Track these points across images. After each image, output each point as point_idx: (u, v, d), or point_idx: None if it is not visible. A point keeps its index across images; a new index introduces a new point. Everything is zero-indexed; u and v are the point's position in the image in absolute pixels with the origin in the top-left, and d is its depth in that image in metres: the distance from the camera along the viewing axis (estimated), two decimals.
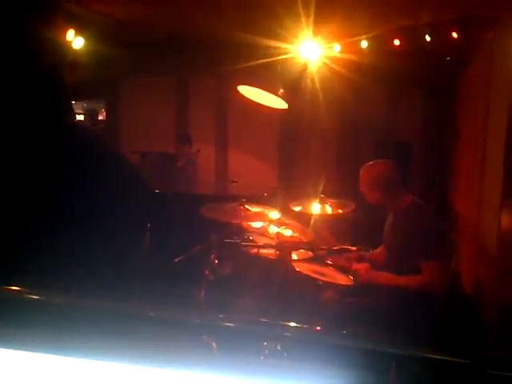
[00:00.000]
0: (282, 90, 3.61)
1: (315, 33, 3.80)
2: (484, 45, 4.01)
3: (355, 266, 3.01)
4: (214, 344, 0.92)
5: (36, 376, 0.90)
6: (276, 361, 0.88)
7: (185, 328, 0.96)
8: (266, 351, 0.92)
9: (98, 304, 0.98)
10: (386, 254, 3.13)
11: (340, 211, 3.49)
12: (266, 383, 0.85)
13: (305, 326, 0.97)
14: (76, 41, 3.81)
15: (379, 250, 3.24)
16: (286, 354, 0.90)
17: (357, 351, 0.89)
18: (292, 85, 3.88)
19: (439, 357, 0.88)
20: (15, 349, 0.90)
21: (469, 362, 0.86)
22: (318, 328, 0.96)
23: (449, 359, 0.87)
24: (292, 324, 0.94)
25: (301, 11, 3.37)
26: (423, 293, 2.74)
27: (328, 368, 0.85)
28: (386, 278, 2.89)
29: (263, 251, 3.25)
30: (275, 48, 3.81)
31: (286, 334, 0.93)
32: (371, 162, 3.07)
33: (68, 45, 3.65)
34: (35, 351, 0.89)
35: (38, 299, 0.96)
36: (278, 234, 3.31)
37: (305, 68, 4.14)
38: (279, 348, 0.90)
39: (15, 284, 0.99)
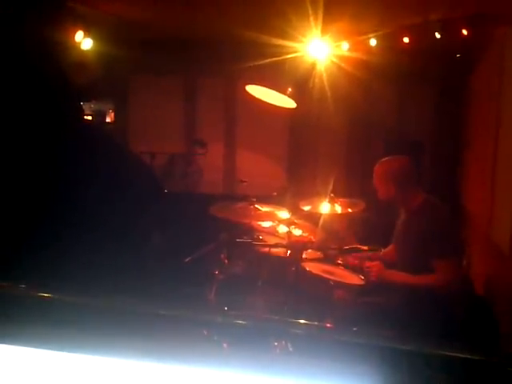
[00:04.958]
0: (290, 89, 3.60)
1: (324, 31, 3.79)
2: (495, 42, 3.97)
3: (368, 263, 2.99)
4: (224, 342, 0.92)
5: (41, 373, 0.90)
6: (286, 358, 0.87)
7: (195, 326, 0.96)
8: (277, 350, 0.91)
9: (109, 302, 0.97)
10: (397, 253, 3.11)
11: (350, 210, 3.47)
12: (277, 380, 0.85)
13: (315, 323, 0.97)
14: (85, 42, 3.83)
15: (390, 248, 3.22)
16: (296, 352, 0.89)
17: (368, 349, 0.88)
18: (300, 84, 3.87)
19: (452, 354, 0.87)
20: (21, 345, 0.90)
21: (484, 359, 0.85)
22: (329, 325, 0.94)
23: (462, 356, 0.86)
24: (302, 321, 0.93)
25: (309, 10, 3.36)
26: (435, 291, 2.71)
27: (339, 365, 0.84)
28: (398, 276, 2.87)
29: (273, 251, 3.24)
30: (283, 47, 3.80)
31: (297, 331, 0.93)
32: (387, 158, 3.05)
33: (77, 46, 3.67)
34: (41, 348, 0.89)
35: (46, 297, 0.96)
36: (287, 233, 3.30)
37: (313, 67, 4.12)
38: (290, 345, 0.89)
39: (25, 282, 0.99)
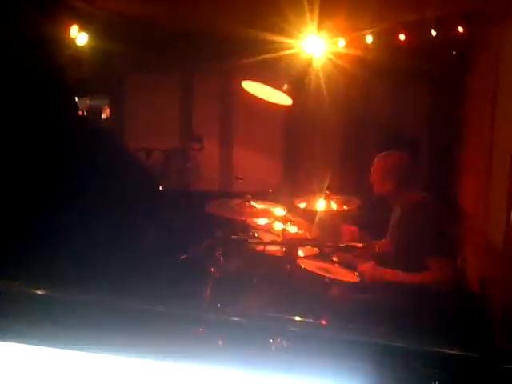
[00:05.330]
0: (286, 86, 3.59)
1: (320, 28, 3.78)
2: (491, 39, 3.97)
3: (360, 267, 3.00)
4: (219, 339, 0.91)
5: (38, 370, 0.90)
6: (282, 355, 0.88)
7: (190, 323, 0.96)
8: (273, 347, 0.91)
9: (104, 300, 0.97)
10: (392, 249, 3.12)
11: (345, 208, 3.48)
12: (272, 377, 0.85)
13: (310, 320, 0.97)
14: (80, 37, 3.81)
15: (383, 242, 3.22)
16: (291, 349, 0.89)
17: (363, 346, 0.88)
18: (296, 80, 3.86)
19: (446, 351, 0.87)
20: (18, 342, 0.90)
21: (477, 356, 0.85)
22: (324, 322, 0.95)
23: (455, 353, 0.86)
24: (298, 318, 0.93)
25: (305, 6, 3.35)
26: (430, 289, 2.72)
27: (333, 362, 0.84)
28: (392, 275, 2.87)
29: (269, 248, 3.24)
30: (279, 43, 3.79)
31: (292, 328, 0.93)
32: (386, 152, 3.07)
33: (72, 41, 3.65)
34: (38, 345, 0.89)
35: (42, 294, 0.96)
36: (283, 230, 3.30)
37: (309, 63, 4.11)
38: (285, 342, 0.89)
39: (21, 279, 0.98)
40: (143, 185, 1.99)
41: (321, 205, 3.43)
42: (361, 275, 2.95)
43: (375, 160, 3.04)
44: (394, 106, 5.72)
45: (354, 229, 3.28)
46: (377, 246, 3.26)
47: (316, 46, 4.01)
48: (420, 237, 2.79)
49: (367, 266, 2.96)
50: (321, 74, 4.28)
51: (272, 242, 3.25)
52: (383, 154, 3.05)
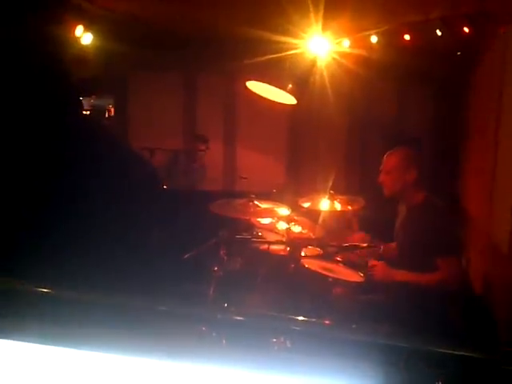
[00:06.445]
0: (290, 86, 3.59)
1: (324, 28, 3.77)
2: (496, 40, 3.96)
3: (373, 262, 2.98)
4: (223, 338, 0.92)
5: (40, 368, 0.90)
6: (285, 354, 0.88)
7: (194, 322, 0.96)
8: (276, 346, 0.92)
9: (108, 298, 0.97)
10: (398, 250, 3.11)
11: (349, 208, 3.48)
12: (275, 377, 0.85)
13: (314, 319, 0.97)
14: (84, 37, 3.83)
15: (390, 245, 3.21)
16: (294, 348, 0.89)
17: (366, 345, 0.88)
18: (301, 80, 3.86)
19: (450, 351, 0.87)
20: (21, 340, 0.90)
21: (481, 356, 0.85)
22: (328, 322, 0.95)
23: (460, 354, 0.86)
24: (301, 318, 0.93)
25: (310, 6, 3.34)
26: (434, 289, 2.71)
27: (337, 362, 0.84)
28: (402, 275, 2.84)
29: (273, 247, 3.25)
30: (284, 43, 3.79)
31: (295, 328, 0.93)
32: (396, 148, 3.06)
33: (76, 41, 3.66)
34: (40, 343, 0.89)
35: (46, 292, 0.96)
36: (287, 230, 3.30)
37: (314, 63, 4.10)
38: (288, 342, 0.89)
39: (24, 277, 0.99)
40: (147, 184, 1.98)
41: (325, 204, 3.43)
42: (370, 272, 2.93)
43: (385, 157, 3.02)
44: (399, 106, 5.71)
45: (362, 235, 3.28)
46: (381, 247, 3.25)
47: (321, 46, 4.00)
48: (426, 236, 2.78)
49: (379, 263, 2.93)
50: (325, 74, 4.27)
51: (276, 242, 3.26)
52: (392, 150, 3.05)
